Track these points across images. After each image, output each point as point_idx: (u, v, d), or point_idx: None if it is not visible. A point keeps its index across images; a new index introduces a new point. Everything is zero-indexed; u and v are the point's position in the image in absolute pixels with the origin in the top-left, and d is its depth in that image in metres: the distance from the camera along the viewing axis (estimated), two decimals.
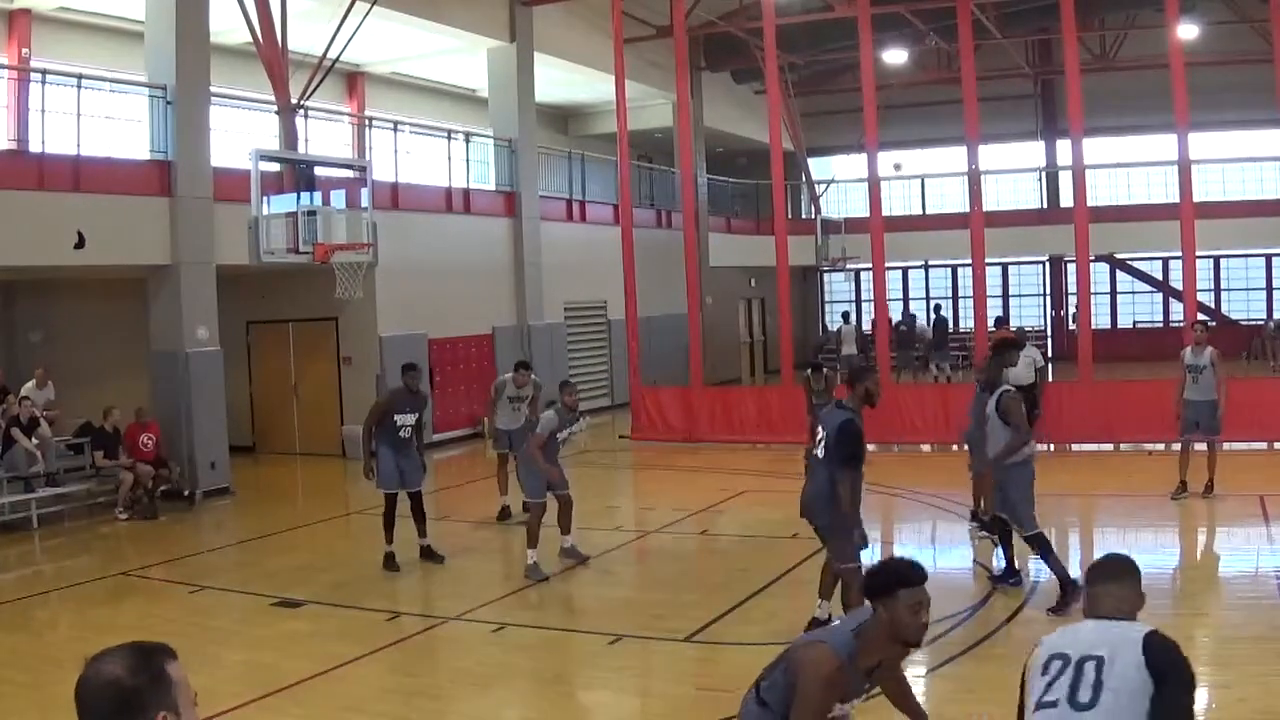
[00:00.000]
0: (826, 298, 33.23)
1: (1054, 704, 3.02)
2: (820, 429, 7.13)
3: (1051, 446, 14.91)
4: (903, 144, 28.98)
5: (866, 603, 3.64)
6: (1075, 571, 7.84)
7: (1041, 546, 7.90)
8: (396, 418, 9.92)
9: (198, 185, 13.83)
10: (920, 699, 6.42)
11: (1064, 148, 26.21)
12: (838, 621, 3.69)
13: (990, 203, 22.74)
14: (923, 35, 22.75)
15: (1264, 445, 14.67)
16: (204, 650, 7.26)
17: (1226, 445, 14.79)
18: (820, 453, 7.02)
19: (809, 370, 13.72)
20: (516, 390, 12.09)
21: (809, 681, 3.52)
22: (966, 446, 10.21)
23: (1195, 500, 11.23)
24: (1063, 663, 3.12)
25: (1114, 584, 3.36)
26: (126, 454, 12.94)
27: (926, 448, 16.11)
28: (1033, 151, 29.83)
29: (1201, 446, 11.34)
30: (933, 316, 26.33)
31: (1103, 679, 2.99)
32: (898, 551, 9.95)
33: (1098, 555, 8.76)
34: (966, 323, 27.50)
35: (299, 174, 12.35)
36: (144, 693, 2.01)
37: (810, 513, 7.16)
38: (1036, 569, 9.36)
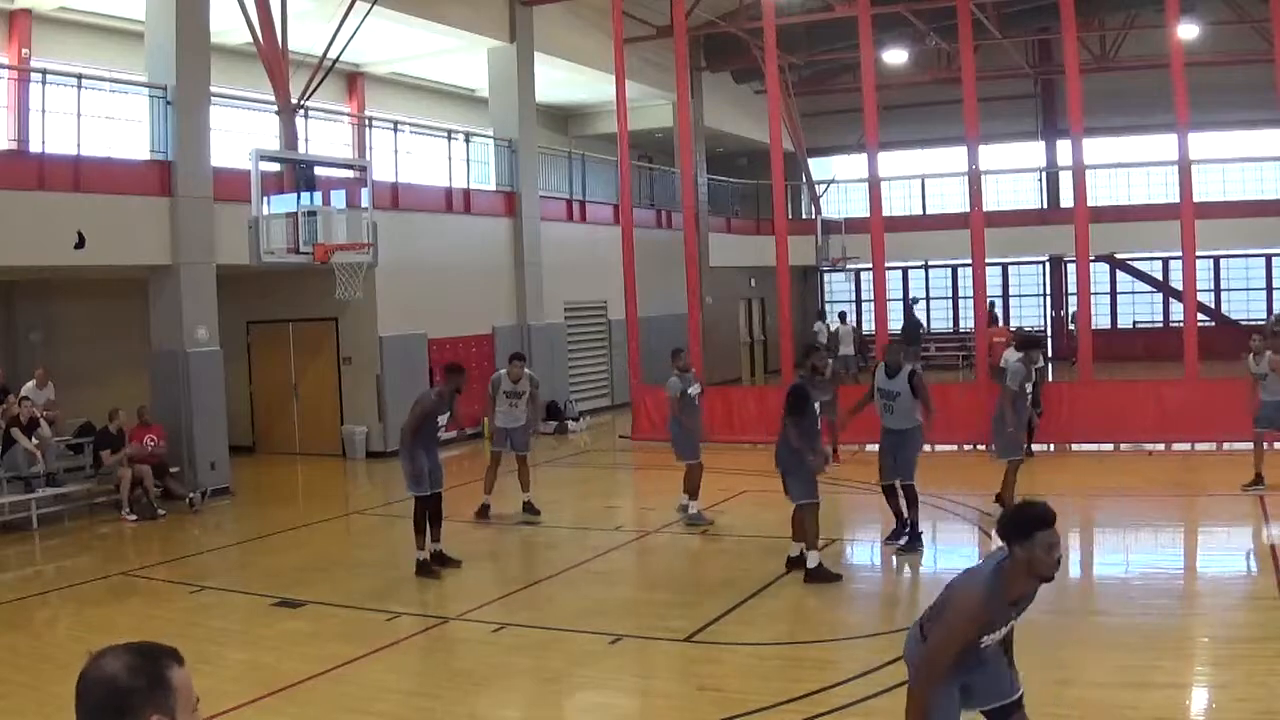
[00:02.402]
0: (827, 298, 33.23)
1: None
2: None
3: (1051, 446, 14.93)
4: (903, 144, 29.01)
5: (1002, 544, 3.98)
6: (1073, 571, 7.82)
7: (912, 496, 9.76)
8: (439, 419, 9.86)
9: (198, 185, 13.84)
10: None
11: (1064, 148, 26.23)
12: (982, 561, 4.09)
13: (990, 203, 22.76)
14: (923, 35, 22.74)
15: (1264, 445, 14.63)
16: (204, 650, 7.26)
17: (1226, 445, 14.83)
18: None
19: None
20: (512, 385, 11.96)
21: (957, 613, 3.93)
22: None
23: (1196, 499, 11.24)
24: None
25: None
26: (127, 453, 12.94)
27: (925, 447, 16.08)
28: (1033, 151, 29.82)
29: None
30: (908, 314, 26.50)
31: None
32: (900, 557, 9.96)
33: (1098, 555, 8.76)
34: (966, 322, 27.69)
35: (299, 174, 12.34)
36: (138, 694, 2.00)
37: (776, 461, 9.04)
38: None
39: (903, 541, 9.86)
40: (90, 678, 2.02)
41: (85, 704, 2.01)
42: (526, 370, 12.15)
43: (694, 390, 11.58)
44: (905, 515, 9.87)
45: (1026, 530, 3.86)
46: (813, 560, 8.83)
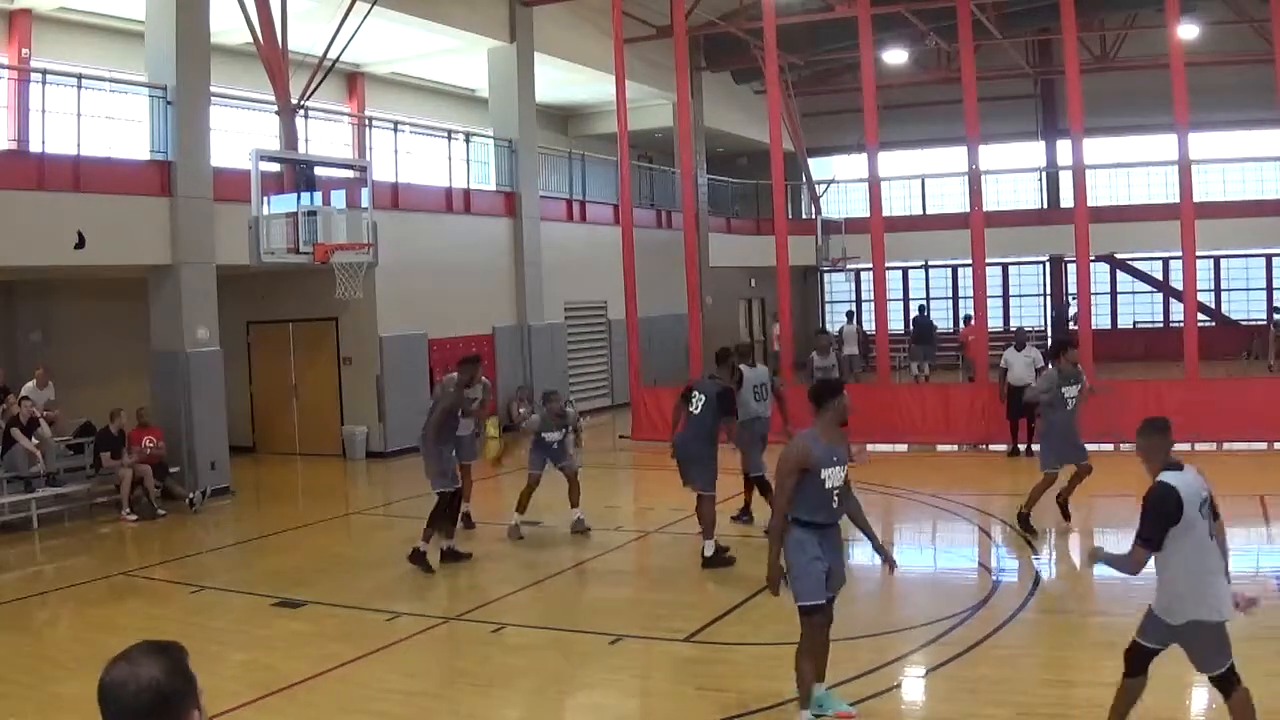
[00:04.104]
0: (827, 298, 33.23)
1: (1214, 534, 4.86)
2: (697, 393, 9.90)
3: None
4: (903, 144, 29.01)
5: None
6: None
7: (764, 486, 10.31)
8: (458, 414, 10.13)
9: (198, 185, 13.84)
10: (920, 698, 6.45)
11: (1064, 148, 26.21)
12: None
13: (990, 203, 22.77)
14: (923, 35, 22.75)
15: (1264, 445, 14.66)
16: (204, 650, 7.25)
17: (1226, 445, 14.84)
18: (697, 410, 9.78)
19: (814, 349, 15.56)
20: (472, 391, 10.86)
21: (791, 448, 5.72)
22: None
23: (1234, 497, 11.25)
24: (1208, 509, 4.84)
25: (1165, 435, 5.03)
26: (129, 457, 12.93)
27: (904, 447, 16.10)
28: (1033, 151, 29.82)
29: None
30: (914, 314, 26.58)
31: (1213, 510, 4.89)
32: (900, 555, 9.95)
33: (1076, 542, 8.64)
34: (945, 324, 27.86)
35: (299, 174, 12.33)
36: (181, 692, 2.06)
37: (679, 451, 9.84)
38: (1037, 565, 9.37)
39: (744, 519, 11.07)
40: (130, 690, 2.04)
41: (127, 713, 2.04)
42: (483, 378, 11.26)
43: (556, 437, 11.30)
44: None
45: (831, 395, 5.75)
46: (709, 549, 9.55)
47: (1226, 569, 4.93)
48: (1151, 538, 4.79)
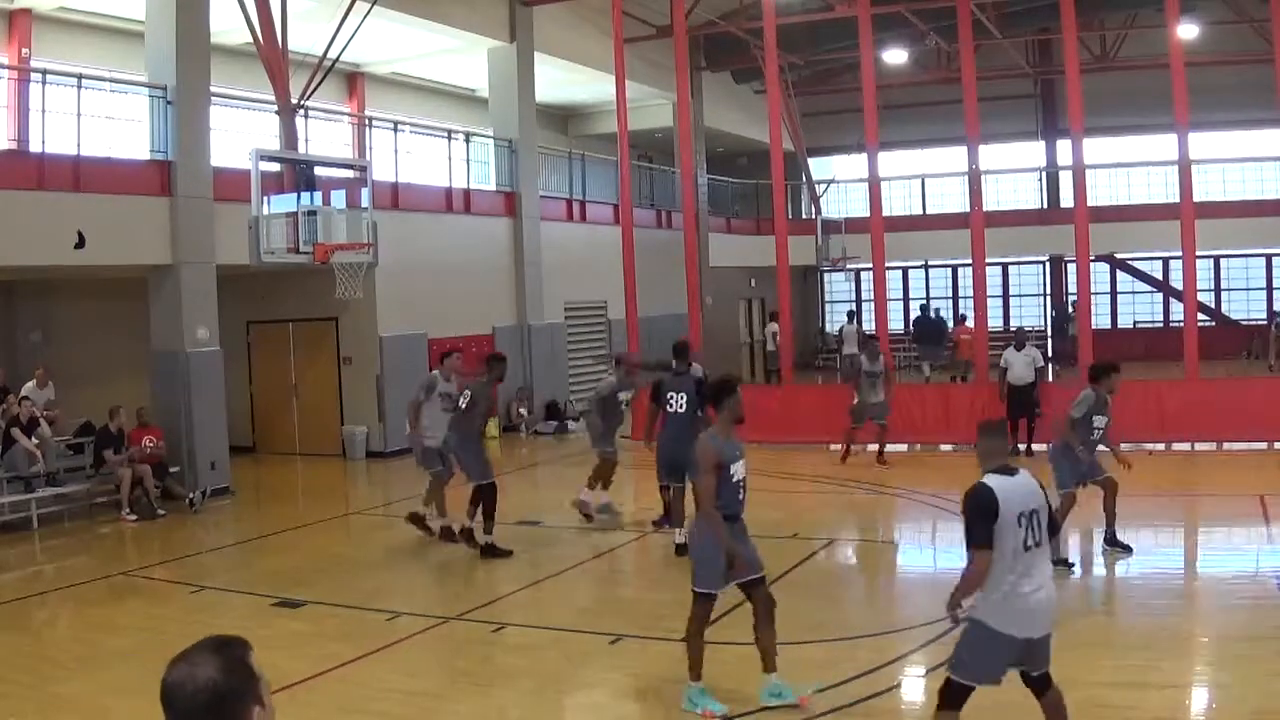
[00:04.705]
0: (827, 298, 33.23)
1: (1033, 546, 4.75)
2: (674, 393, 9.99)
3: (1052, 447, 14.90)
4: (903, 144, 29.00)
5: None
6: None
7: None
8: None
9: (198, 185, 13.84)
10: (920, 698, 6.44)
11: (1064, 148, 26.21)
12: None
13: (990, 203, 22.76)
14: (923, 35, 22.75)
15: (1264, 445, 14.66)
16: None
17: (1226, 445, 14.85)
18: (681, 409, 9.92)
19: (864, 352, 15.19)
20: (448, 387, 10.75)
21: (701, 453, 6.09)
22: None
23: (1196, 499, 11.22)
24: (1028, 519, 4.73)
25: (998, 439, 5.14)
26: (128, 453, 12.94)
27: (920, 447, 16.12)
28: (1033, 151, 29.82)
29: None
30: (917, 313, 26.58)
31: (1041, 525, 4.80)
32: (900, 557, 9.94)
33: (1098, 555, 8.68)
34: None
35: (299, 174, 12.33)
36: (239, 691, 2.07)
37: (670, 456, 9.85)
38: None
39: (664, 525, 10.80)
40: (188, 690, 2.05)
41: (185, 714, 2.05)
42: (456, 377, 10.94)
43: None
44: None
45: (727, 394, 6.14)
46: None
47: (1042, 586, 4.78)
48: (978, 538, 4.71)
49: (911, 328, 26.96)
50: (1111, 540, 9.33)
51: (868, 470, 14.24)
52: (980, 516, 4.70)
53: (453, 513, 10.78)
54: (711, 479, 5.98)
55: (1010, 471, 4.82)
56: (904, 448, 16.30)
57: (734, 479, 6.06)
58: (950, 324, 25.38)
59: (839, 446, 15.07)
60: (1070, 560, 9.00)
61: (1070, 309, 26.48)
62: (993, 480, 4.77)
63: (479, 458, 10.21)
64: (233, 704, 2.06)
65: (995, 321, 25.33)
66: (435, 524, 10.86)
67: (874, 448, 14.75)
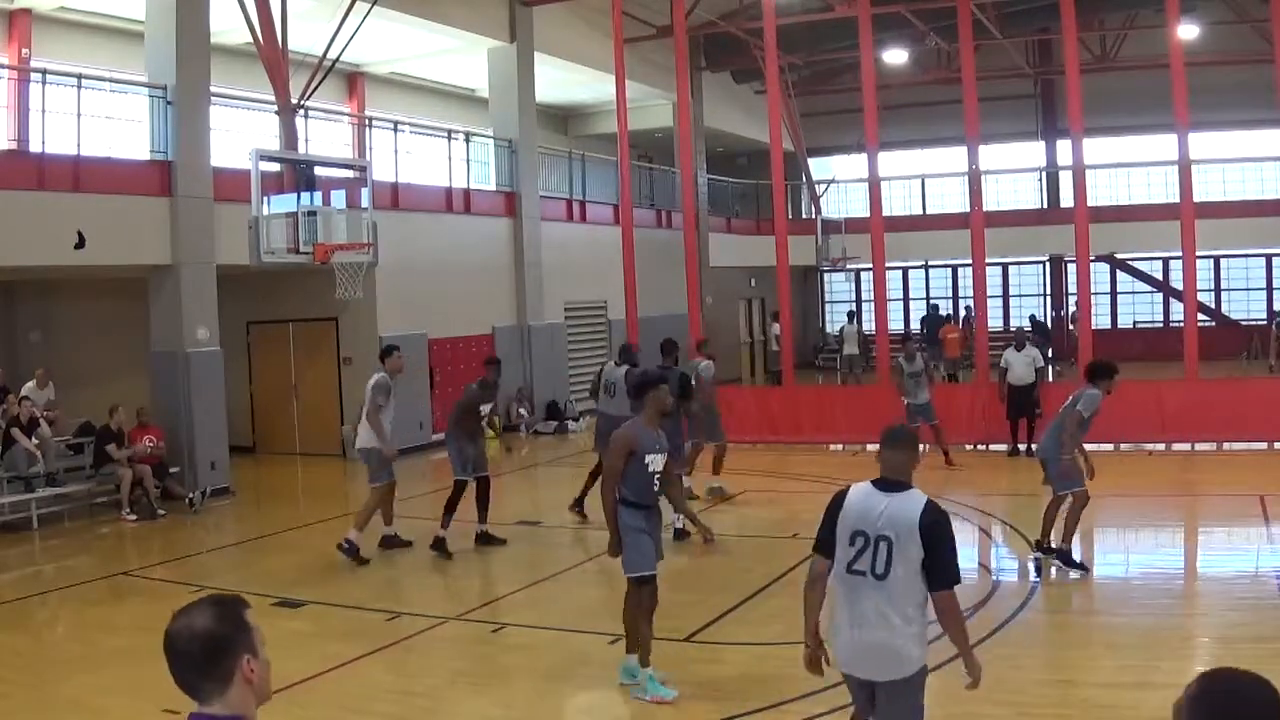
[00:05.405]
0: (827, 298, 33.22)
1: (862, 573, 4.08)
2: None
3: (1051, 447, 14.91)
4: (903, 144, 29.00)
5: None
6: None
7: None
8: (481, 408, 10.60)
9: (198, 185, 13.83)
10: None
11: (1064, 148, 26.21)
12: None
13: (990, 203, 22.76)
14: (923, 35, 22.74)
15: (1264, 445, 14.66)
16: None
17: (1226, 445, 14.85)
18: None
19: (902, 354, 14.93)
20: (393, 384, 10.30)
21: (617, 437, 6.42)
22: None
23: (1196, 499, 11.22)
24: (864, 541, 4.08)
25: (894, 450, 4.30)
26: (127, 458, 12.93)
27: (924, 447, 16.09)
28: (1033, 151, 29.81)
29: None
30: (926, 312, 26.57)
31: (893, 557, 4.03)
32: None
33: (1098, 555, 8.68)
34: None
35: (299, 174, 12.34)
36: (230, 639, 2.29)
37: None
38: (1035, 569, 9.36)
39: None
40: (184, 635, 2.30)
41: (183, 658, 2.29)
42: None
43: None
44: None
45: (650, 389, 6.47)
46: (354, 535, 10.03)
47: (861, 625, 4.13)
48: (817, 539, 4.31)
49: (919, 327, 26.96)
50: (1067, 558, 8.76)
51: (868, 472, 14.22)
52: (823, 518, 4.30)
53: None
54: (618, 463, 6.29)
55: (893, 487, 4.18)
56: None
57: (648, 469, 6.32)
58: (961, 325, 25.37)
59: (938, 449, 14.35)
60: (1082, 563, 8.80)
61: (1047, 322, 26.56)
62: (859, 487, 4.26)
63: (457, 455, 10.48)
64: (224, 650, 2.27)
65: (995, 322, 25.31)
66: (389, 531, 10.54)
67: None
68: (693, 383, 11.16)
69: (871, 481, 4.23)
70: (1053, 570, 8.75)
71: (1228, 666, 2.12)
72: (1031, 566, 8.95)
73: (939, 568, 4.03)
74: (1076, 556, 8.74)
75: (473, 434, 10.58)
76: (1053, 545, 8.87)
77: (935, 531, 4.04)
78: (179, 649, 2.30)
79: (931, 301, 29.73)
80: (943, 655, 6.84)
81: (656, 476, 6.38)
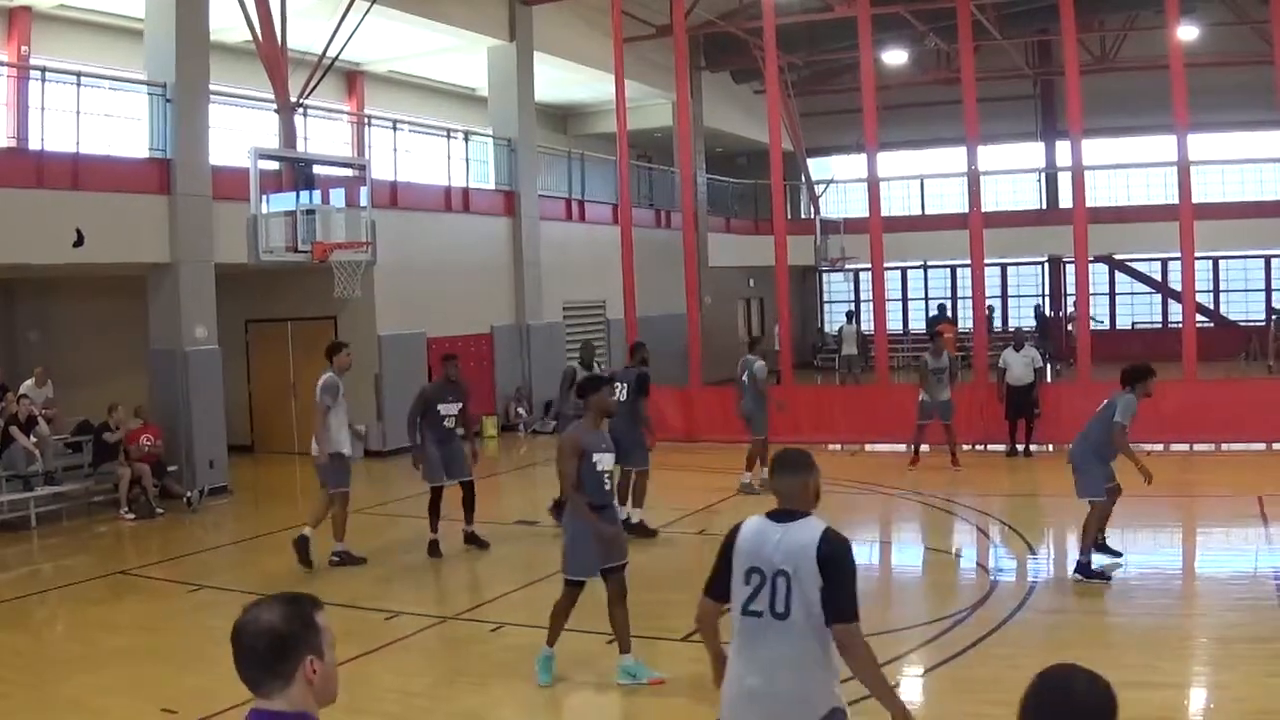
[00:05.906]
0: (826, 298, 33.23)
1: (759, 614, 3.64)
2: (618, 382, 10.47)
3: (1051, 447, 14.92)
4: (902, 144, 29.00)
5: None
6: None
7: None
8: (440, 408, 10.36)
9: (197, 183, 13.82)
10: (920, 697, 6.44)
11: (1063, 148, 26.19)
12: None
13: (990, 203, 22.74)
14: (922, 35, 22.75)
15: (1262, 446, 14.67)
16: (203, 650, 7.26)
17: (1225, 445, 14.85)
18: (622, 397, 10.28)
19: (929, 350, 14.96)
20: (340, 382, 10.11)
21: (564, 440, 6.67)
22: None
23: (1195, 500, 11.22)
24: (760, 578, 3.66)
25: (786, 476, 3.84)
26: (125, 456, 12.91)
27: (926, 447, 16.11)
28: (1032, 152, 29.84)
29: None
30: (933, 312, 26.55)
31: (791, 592, 3.61)
32: (898, 555, 9.92)
33: (1098, 555, 8.66)
34: (964, 323, 27.68)
35: (298, 172, 12.33)
36: (295, 637, 2.30)
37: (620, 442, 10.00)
38: (1034, 569, 9.37)
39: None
40: (250, 630, 2.31)
41: (248, 653, 2.31)
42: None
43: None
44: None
45: (593, 390, 6.68)
46: (636, 516, 10.50)
47: (756, 675, 3.66)
48: (707, 579, 3.87)
49: (927, 327, 26.87)
50: (1087, 570, 8.55)
51: (869, 470, 14.24)
52: (717, 556, 3.84)
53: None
54: (571, 465, 6.45)
55: (787, 517, 3.75)
56: (903, 448, 16.29)
57: (598, 468, 6.50)
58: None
59: (908, 449, 14.64)
60: (1118, 552, 8.98)
61: (1039, 325, 26.56)
62: (751, 520, 3.81)
63: (425, 461, 10.34)
64: (289, 648, 2.28)
65: (994, 322, 25.33)
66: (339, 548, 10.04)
67: (914, 449, 14.59)
68: (650, 381, 11.27)
69: (766, 513, 3.79)
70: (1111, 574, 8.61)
71: (1065, 663, 2.16)
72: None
73: (838, 600, 3.64)
74: (1096, 565, 8.63)
75: (441, 438, 10.28)
76: (1107, 544, 8.92)
77: (834, 561, 3.65)
78: (244, 643, 2.32)
79: (940, 303, 29.71)
80: (939, 657, 6.86)
81: (606, 475, 6.57)
